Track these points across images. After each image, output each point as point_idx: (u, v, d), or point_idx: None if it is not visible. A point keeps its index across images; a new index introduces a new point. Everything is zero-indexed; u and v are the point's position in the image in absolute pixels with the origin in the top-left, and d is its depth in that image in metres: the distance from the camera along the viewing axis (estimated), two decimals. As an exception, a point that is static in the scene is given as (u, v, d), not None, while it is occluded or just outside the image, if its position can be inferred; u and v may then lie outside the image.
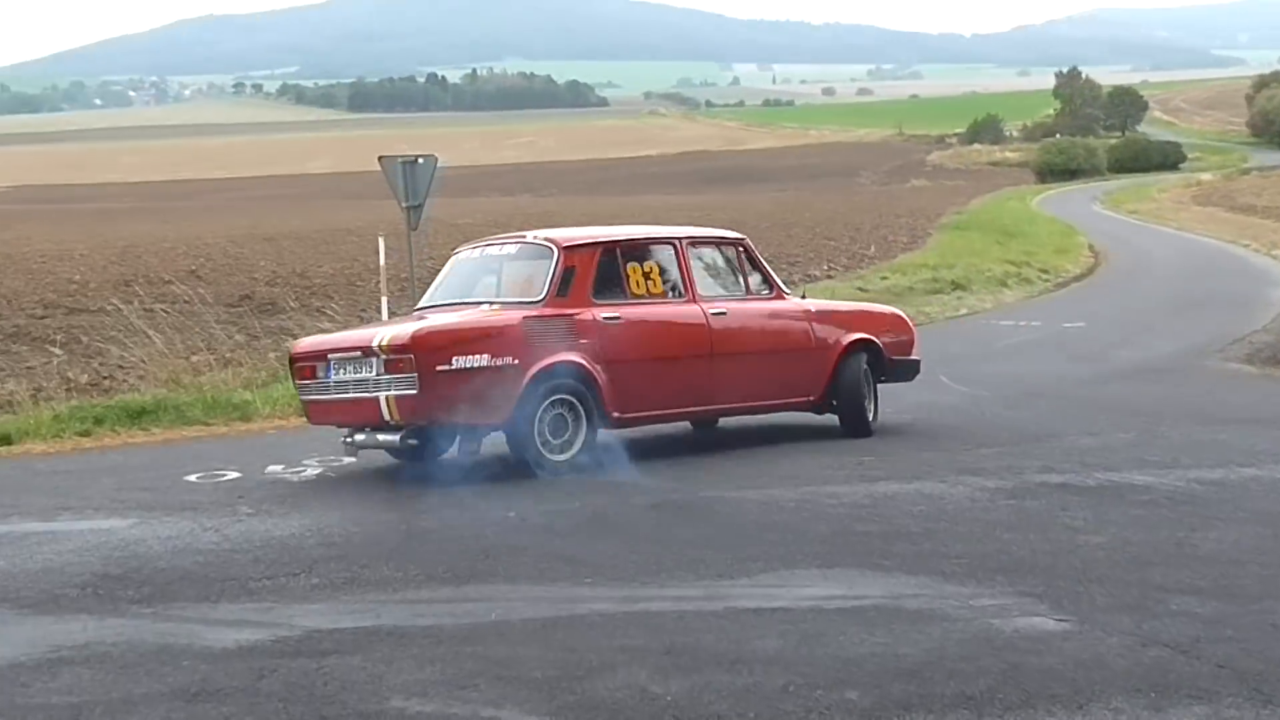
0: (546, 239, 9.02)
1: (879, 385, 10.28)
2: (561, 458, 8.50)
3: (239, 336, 16.86)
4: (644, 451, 9.80)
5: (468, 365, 8.17)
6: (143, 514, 8.02)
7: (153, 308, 18.27)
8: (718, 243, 9.58)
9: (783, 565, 6.29)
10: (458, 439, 8.67)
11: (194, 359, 14.66)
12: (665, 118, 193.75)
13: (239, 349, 15.67)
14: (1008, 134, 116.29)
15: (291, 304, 19.28)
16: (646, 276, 9.07)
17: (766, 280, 9.66)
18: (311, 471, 9.42)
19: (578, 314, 8.68)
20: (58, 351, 15.86)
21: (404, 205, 14.64)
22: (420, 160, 14.60)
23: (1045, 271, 26.61)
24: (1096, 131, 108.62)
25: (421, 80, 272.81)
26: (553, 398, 8.42)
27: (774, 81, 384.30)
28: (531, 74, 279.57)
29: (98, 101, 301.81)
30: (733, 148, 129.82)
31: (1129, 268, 28.37)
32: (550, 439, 8.48)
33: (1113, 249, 32.44)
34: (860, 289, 21.94)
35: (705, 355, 9.13)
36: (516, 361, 8.27)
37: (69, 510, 8.17)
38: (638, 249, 9.19)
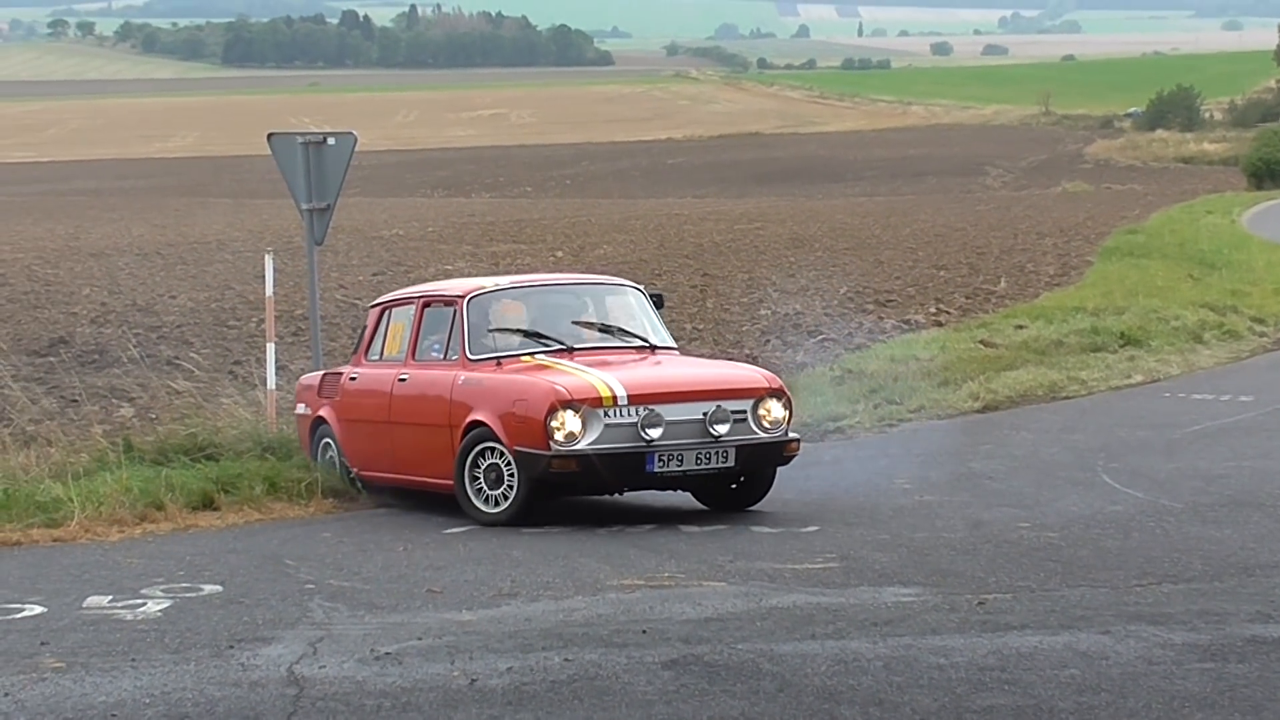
0: (379, 298, 14.27)
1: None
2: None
3: (47, 401, 16.87)
4: (651, 560, 9.86)
5: (301, 411, 14.12)
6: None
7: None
8: (443, 301, 13.01)
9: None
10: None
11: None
12: (697, 83, 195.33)
13: (47, 420, 15.67)
14: (1207, 115, 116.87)
15: (131, 352, 19.35)
16: (394, 337, 13.30)
17: (459, 343, 12.61)
18: (155, 606, 9.45)
19: (343, 371, 13.76)
20: None
21: (304, 207, 14.72)
22: (331, 140, 14.69)
23: (1261, 321, 26.64)
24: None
25: (334, 21, 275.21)
26: (323, 442, 13.71)
27: (860, 32, 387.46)
28: (499, 14, 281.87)
29: None
30: (798, 129, 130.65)
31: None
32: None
33: (1363, 289, 32.45)
34: (982, 344, 22.00)
35: (385, 422, 13.00)
36: (309, 411, 13.90)
37: None
38: (398, 308, 13.43)
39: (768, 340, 22.52)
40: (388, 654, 8.07)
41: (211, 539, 11.82)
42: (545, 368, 12.32)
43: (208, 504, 12.73)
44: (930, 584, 9.65)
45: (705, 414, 11.93)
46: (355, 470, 13.31)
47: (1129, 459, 14.51)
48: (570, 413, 11.69)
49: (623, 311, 13.17)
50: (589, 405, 11.75)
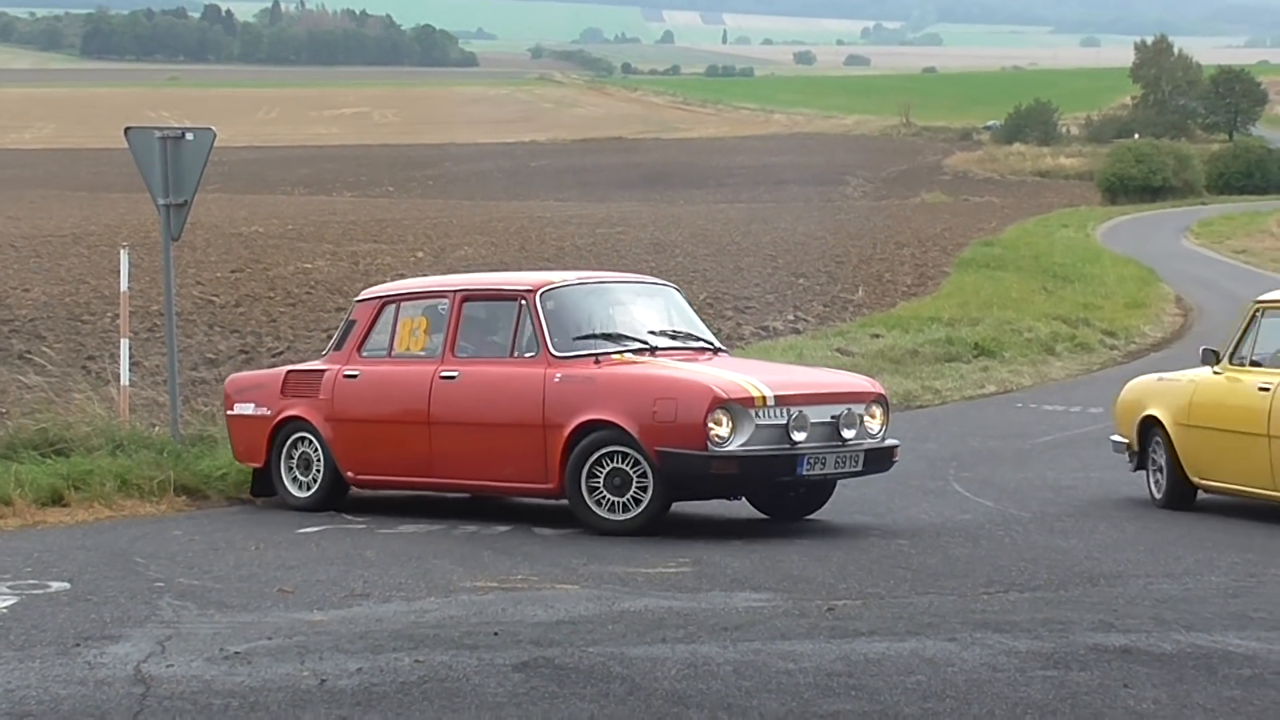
0: (370, 291, 13.34)
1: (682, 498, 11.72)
2: (304, 495, 12.82)
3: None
4: (505, 563, 9.85)
5: (249, 412, 13.10)
6: None
7: None
8: (497, 295, 12.40)
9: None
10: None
11: None
12: (561, 86, 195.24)
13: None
14: (1063, 130, 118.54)
15: (-18, 345, 19.08)
16: (413, 333, 12.56)
17: (537, 339, 11.93)
18: (1, 602, 9.33)
19: (325, 370, 12.86)
20: None
21: (161, 202, 14.57)
22: (189, 135, 14.56)
23: (1111, 334, 27.12)
24: (1192, 132, 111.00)
25: (196, 15, 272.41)
26: (293, 443, 12.85)
27: (724, 40, 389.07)
28: (363, 13, 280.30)
29: None
30: (661, 134, 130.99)
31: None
32: (299, 476, 12.89)
33: (1210, 305, 33.15)
34: (838, 352, 22.18)
35: (423, 422, 12.21)
36: (268, 411, 12.97)
37: None
38: (415, 302, 12.75)
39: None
40: (236, 653, 8.01)
41: (60, 536, 11.66)
42: (656, 366, 11.79)
43: (57, 500, 12.56)
44: (781, 589, 9.72)
45: (835, 417, 11.60)
46: (351, 474, 12.60)
47: (980, 468, 14.70)
48: (724, 413, 11.24)
49: (677, 311, 12.71)
50: (742, 405, 11.30)
